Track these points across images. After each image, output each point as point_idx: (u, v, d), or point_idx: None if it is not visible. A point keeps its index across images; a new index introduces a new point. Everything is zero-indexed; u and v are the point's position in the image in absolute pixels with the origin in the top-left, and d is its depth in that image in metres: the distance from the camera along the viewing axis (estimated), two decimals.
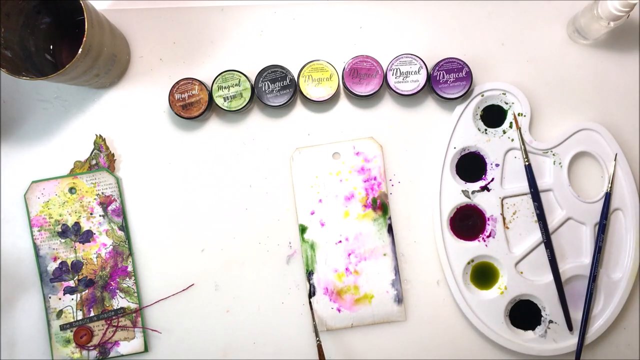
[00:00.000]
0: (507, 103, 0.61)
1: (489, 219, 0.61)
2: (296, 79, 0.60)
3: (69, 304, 0.61)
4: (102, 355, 0.61)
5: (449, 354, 0.62)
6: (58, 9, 0.57)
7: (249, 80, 0.59)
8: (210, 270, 0.62)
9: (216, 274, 0.62)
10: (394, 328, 0.62)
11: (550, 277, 0.60)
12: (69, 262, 0.61)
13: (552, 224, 0.60)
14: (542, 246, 0.60)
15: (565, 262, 0.60)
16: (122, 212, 0.62)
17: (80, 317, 0.61)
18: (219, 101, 0.59)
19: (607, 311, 0.60)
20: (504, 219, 0.61)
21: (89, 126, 0.62)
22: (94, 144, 0.62)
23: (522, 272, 0.61)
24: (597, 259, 0.59)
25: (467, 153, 0.61)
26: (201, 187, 0.62)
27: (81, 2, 0.50)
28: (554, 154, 0.60)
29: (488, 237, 0.61)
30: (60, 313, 0.61)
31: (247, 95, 0.59)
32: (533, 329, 0.61)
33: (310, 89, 0.59)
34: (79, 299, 0.61)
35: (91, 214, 0.61)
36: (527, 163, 0.60)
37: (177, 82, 0.59)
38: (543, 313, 0.61)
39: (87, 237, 0.61)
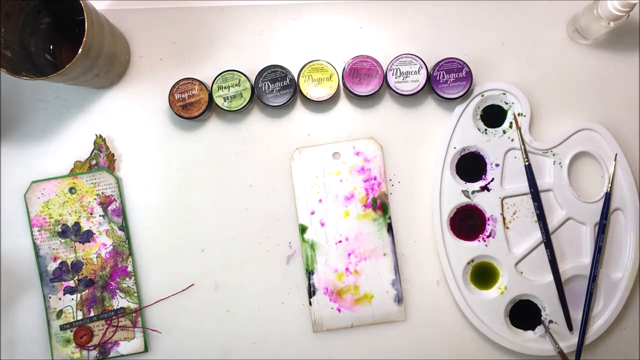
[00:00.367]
0: (507, 103, 0.61)
1: (489, 219, 0.61)
2: (296, 79, 0.59)
3: (69, 304, 0.61)
4: (102, 355, 0.61)
5: (449, 354, 0.62)
6: (58, 9, 0.57)
7: (249, 80, 0.59)
8: (210, 270, 0.62)
9: (216, 274, 0.62)
10: (394, 328, 0.62)
11: (550, 277, 0.60)
12: (69, 262, 0.61)
13: (552, 224, 0.60)
14: (542, 246, 0.60)
15: (565, 262, 0.60)
16: (122, 212, 0.61)
17: (80, 317, 0.61)
18: (219, 101, 0.59)
19: (607, 311, 0.60)
20: (504, 219, 0.61)
21: (89, 126, 0.62)
22: (94, 144, 0.62)
23: (522, 272, 0.61)
24: (597, 259, 0.59)
25: (467, 153, 0.61)
26: (201, 187, 0.62)
27: (81, 2, 0.50)
28: (554, 154, 0.60)
29: (488, 237, 0.61)
30: (60, 313, 0.61)
31: (247, 95, 0.59)
32: (533, 329, 0.61)
33: (310, 89, 0.59)
34: (79, 299, 0.61)
35: (91, 214, 0.61)
36: (527, 163, 0.60)
37: (177, 82, 0.59)
38: (543, 313, 0.61)
39: (87, 237, 0.61)
